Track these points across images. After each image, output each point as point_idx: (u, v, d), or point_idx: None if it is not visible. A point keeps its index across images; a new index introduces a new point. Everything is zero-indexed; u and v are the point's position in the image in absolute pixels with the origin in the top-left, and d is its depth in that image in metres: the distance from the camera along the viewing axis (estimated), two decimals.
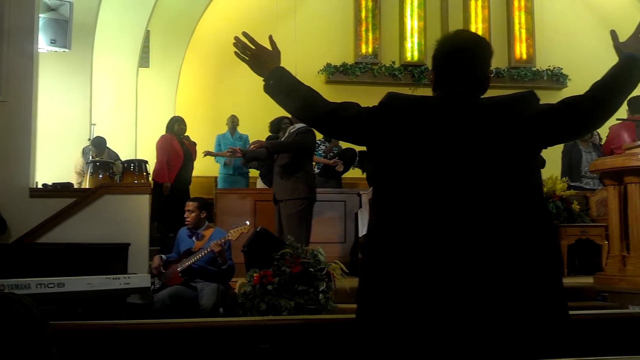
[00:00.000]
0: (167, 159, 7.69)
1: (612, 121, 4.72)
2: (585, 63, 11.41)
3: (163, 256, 5.62)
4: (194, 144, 8.31)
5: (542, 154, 2.04)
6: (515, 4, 11.94)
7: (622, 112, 6.63)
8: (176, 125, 7.96)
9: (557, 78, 11.74)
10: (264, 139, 7.27)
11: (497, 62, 11.35)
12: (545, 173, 6.28)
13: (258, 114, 9.63)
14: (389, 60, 11.55)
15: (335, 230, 7.41)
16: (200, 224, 5.65)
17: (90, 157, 7.54)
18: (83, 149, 7.86)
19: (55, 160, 7.68)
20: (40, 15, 6.93)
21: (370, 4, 11.61)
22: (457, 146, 1.90)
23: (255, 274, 4.88)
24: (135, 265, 5.68)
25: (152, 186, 6.86)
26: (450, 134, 1.91)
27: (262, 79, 2.17)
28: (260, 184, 8.16)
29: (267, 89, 2.15)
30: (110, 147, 8.04)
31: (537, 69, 11.80)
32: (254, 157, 6.86)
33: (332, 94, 2.36)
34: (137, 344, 2.44)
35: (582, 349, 1.83)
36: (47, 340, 1.20)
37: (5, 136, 5.98)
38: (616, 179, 5.16)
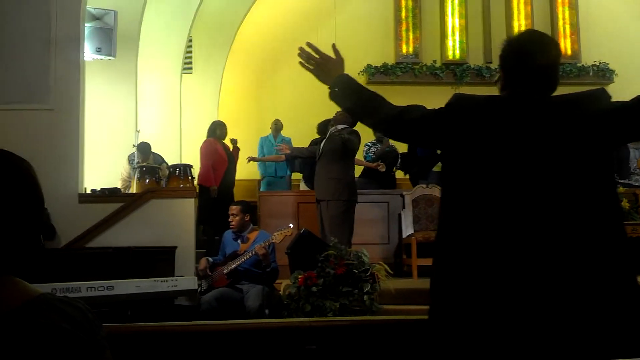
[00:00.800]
0: (212, 162, 7.77)
1: None
2: (632, 57, 11.12)
3: (209, 258, 5.68)
4: (238, 149, 8.37)
5: None
6: None
7: None
8: (218, 130, 8.03)
9: (603, 73, 11.46)
10: (307, 141, 7.31)
11: None
12: None
13: (299, 117, 9.69)
14: (430, 60, 11.46)
15: (378, 232, 7.38)
16: (244, 227, 5.69)
17: (136, 162, 7.67)
18: (128, 156, 8.01)
19: (103, 166, 7.85)
20: (85, 24, 7.09)
21: (410, 3, 11.55)
22: (528, 144, 1.87)
23: (299, 276, 4.89)
24: (182, 267, 5.76)
25: (197, 190, 6.94)
26: (521, 132, 1.89)
27: (328, 87, 2.18)
28: (303, 187, 8.20)
29: (333, 97, 2.17)
30: (156, 152, 8.18)
31: (583, 65, 11.55)
32: (296, 155, 6.94)
33: None
34: (185, 345, 2.47)
35: None
36: (102, 343, 1.22)
37: (54, 143, 6.13)
38: None
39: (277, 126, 9.20)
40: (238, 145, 8.33)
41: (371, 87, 2.18)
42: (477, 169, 1.91)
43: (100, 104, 8.12)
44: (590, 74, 11.45)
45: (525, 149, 1.87)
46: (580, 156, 1.87)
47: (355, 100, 2.14)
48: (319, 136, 7.62)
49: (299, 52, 2.23)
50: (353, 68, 10.63)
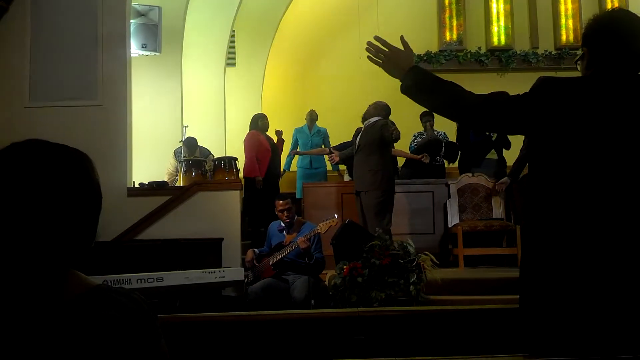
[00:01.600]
0: (256, 154, 7.83)
1: None
2: None
3: (256, 250, 5.74)
4: (283, 140, 8.39)
5: None
6: None
7: None
8: (260, 122, 8.07)
9: None
10: (347, 132, 7.32)
11: None
12: None
13: (341, 108, 9.67)
14: (474, 46, 11.28)
15: (423, 221, 7.32)
16: (291, 219, 5.73)
17: (182, 157, 7.78)
18: (175, 150, 8.12)
19: (150, 160, 7.98)
20: (131, 21, 7.20)
21: None
22: (619, 124, 1.84)
23: (344, 266, 4.90)
24: (228, 259, 5.83)
25: (242, 182, 7.00)
26: (611, 112, 1.85)
27: (399, 80, 2.13)
28: (347, 178, 8.20)
29: (405, 90, 2.11)
30: (202, 145, 8.29)
31: None
32: (345, 159, 7.02)
33: None
34: (236, 334, 2.50)
35: None
36: (157, 333, 1.24)
37: (103, 138, 6.26)
38: None
39: (312, 117, 9.18)
40: (283, 137, 8.36)
41: None
42: (568, 152, 1.87)
43: (147, 99, 8.25)
44: None
45: (615, 129, 1.83)
46: None
47: (431, 92, 2.07)
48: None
49: (367, 46, 2.18)
50: None
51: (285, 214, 5.65)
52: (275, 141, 8.15)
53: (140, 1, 7.81)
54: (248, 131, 8.11)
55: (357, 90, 10.28)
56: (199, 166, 6.95)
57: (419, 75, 2.08)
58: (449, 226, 7.11)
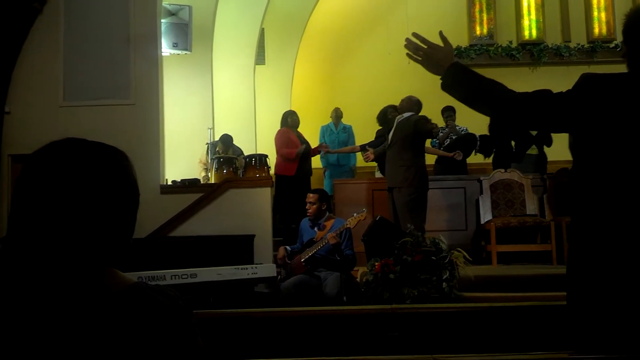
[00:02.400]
0: (287, 151, 7.84)
1: None
2: None
3: (287, 247, 5.75)
4: (316, 154, 8.34)
5: None
6: None
7: None
8: (289, 118, 8.08)
9: None
10: (372, 130, 7.31)
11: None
12: None
13: (370, 105, 9.62)
14: (505, 40, 11.14)
15: (455, 218, 7.26)
16: (321, 215, 5.72)
17: (216, 152, 7.85)
18: (207, 144, 8.19)
19: (181, 158, 8.06)
20: (162, 20, 7.28)
21: None
22: None
23: (376, 263, 4.88)
24: (260, 255, 5.87)
25: (273, 179, 7.03)
26: None
27: (439, 77, 2.10)
28: (378, 175, 8.17)
29: (446, 88, 2.08)
30: (236, 144, 8.35)
31: None
32: (381, 154, 6.92)
33: None
34: (270, 330, 2.51)
35: None
36: (193, 329, 1.25)
37: (135, 137, 6.34)
38: None
39: (338, 114, 9.17)
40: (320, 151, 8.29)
41: None
42: (613, 148, 1.84)
43: (178, 97, 8.33)
44: None
45: None
46: None
47: (471, 89, 2.04)
48: (380, 126, 7.60)
49: (405, 43, 2.15)
50: None
51: (309, 208, 5.67)
52: (312, 143, 8.12)
53: (171, 0, 7.88)
54: (279, 128, 8.13)
55: (385, 87, 10.24)
56: (230, 164, 7.00)
57: (460, 72, 2.05)
58: (482, 222, 7.03)
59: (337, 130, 9.04)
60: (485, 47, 11.07)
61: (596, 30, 11.09)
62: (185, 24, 7.87)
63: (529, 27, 11.22)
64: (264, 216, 6.22)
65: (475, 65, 10.75)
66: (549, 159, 7.65)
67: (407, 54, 2.14)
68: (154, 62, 6.71)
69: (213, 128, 8.39)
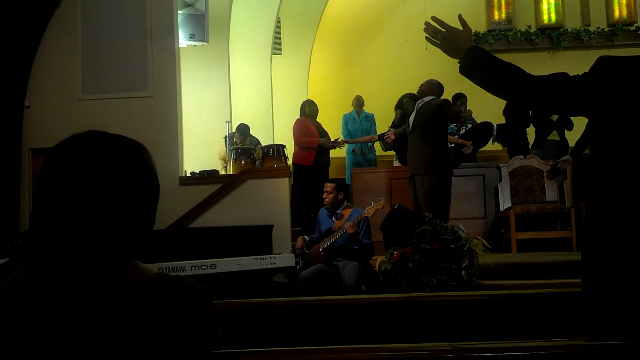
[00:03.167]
0: (305, 140, 7.85)
1: None
2: None
3: (306, 237, 5.77)
4: (334, 147, 8.26)
5: None
6: None
7: None
8: (307, 108, 8.06)
9: None
10: (391, 117, 7.27)
11: None
12: None
13: (387, 93, 9.59)
14: (524, 25, 11.03)
15: (474, 206, 7.22)
16: (338, 204, 5.73)
17: (234, 141, 7.87)
18: (225, 136, 8.22)
19: (200, 149, 8.10)
20: (178, 11, 7.30)
21: None
22: None
23: (395, 252, 4.88)
24: (279, 245, 5.89)
25: (291, 169, 7.04)
26: None
27: (457, 61, 2.09)
28: (397, 164, 8.14)
29: (464, 71, 2.08)
30: (253, 135, 8.38)
31: None
32: (402, 135, 6.84)
33: None
34: (289, 320, 2.52)
35: None
36: (213, 319, 1.26)
37: (154, 129, 6.39)
38: None
39: (359, 102, 9.11)
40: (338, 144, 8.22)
41: None
42: (631, 132, 1.81)
43: (195, 88, 8.36)
44: None
45: None
46: None
47: (489, 73, 2.03)
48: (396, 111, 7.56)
49: (424, 27, 2.15)
50: None
51: (325, 197, 5.68)
52: (329, 132, 8.07)
53: None
54: (297, 118, 8.13)
55: (403, 75, 10.19)
56: (248, 154, 7.02)
57: (478, 56, 2.04)
58: (501, 210, 7.00)
59: (360, 118, 9.00)
60: (503, 32, 10.97)
61: (616, 13, 10.93)
62: (201, 15, 7.87)
63: (548, 11, 11.10)
64: (282, 206, 6.24)
65: (494, 50, 10.59)
66: (570, 144, 7.57)
67: (426, 38, 2.15)
68: (171, 54, 6.74)
69: (231, 119, 8.41)
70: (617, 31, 10.72)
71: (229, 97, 8.73)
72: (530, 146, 7.68)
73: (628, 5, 10.79)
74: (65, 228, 1.13)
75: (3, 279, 1.18)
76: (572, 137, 7.45)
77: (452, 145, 7.86)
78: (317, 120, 8.08)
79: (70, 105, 6.55)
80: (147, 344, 1.11)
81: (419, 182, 5.96)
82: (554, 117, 7.36)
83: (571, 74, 1.96)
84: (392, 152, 8.33)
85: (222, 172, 7.92)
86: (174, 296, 1.17)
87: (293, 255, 5.34)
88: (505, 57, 2.00)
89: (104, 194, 1.15)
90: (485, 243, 4.90)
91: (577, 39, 10.91)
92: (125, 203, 1.17)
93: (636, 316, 1.73)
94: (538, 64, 9.34)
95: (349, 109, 9.25)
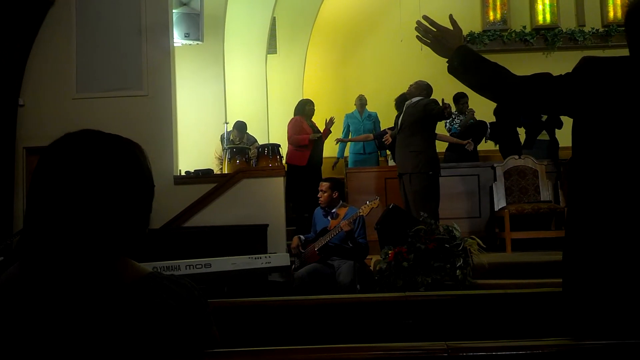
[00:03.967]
0: (300, 140, 7.84)
1: None
2: None
3: (301, 236, 5.77)
4: (330, 132, 8.24)
5: None
6: None
7: None
8: (307, 107, 8.05)
9: None
10: (392, 115, 7.30)
11: None
12: None
13: (384, 92, 9.59)
14: (519, 26, 11.06)
15: (469, 205, 7.24)
16: (333, 204, 5.73)
17: (231, 138, 7.86)
18: (221, 135, 8.21)
19: (194, 148, 8.09)
20: (173, 10, 7.28)
21: None
22: None
23: (390, 251, 4.89)
24: (274, 244, 5.89)
25: (286, 169, 7.04)
26: None
27: (446, 59, 2.13)
28: (392, 163, 8.15)
29: (452, 70, 2.11)
30: (249, 133, 8.38)
31: None
32: (383, 133, 7.04)
33: None
34: (285, 318, 2.52)
35: None
36: (208, 319, 1.26)
37: (149, 127, 6.38)
38: None
39: (362, 102, 9.10)
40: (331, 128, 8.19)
41: None
42: (613, 133, 1.82)
43: (190, 87, 8.34)
44: None
45: None
46: None
47: (476, 72, 2.06)
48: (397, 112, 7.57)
49: (416, 26, 2.18)
50: None
51: (320, 196, 5.69)
52: (322, 129, 8.06)
53: None
54: (292, 117, 8.13)
55: (399, 74, 10.19)
56: (243, 153, 7.02)
57: (466, 56, 2.07)
58: (496, 209, 7.01)
59: (362, 118, 8.97)
60: (498, 33, 10.99)
61: (611, 14, 10.97)
62: (196, 14, 7.85)
63: (543, 12, 11.13)
64: (277, 205, 6.24)
65: (489, 51, 10.69)
66: (561, 144, 7.59)
67: (417, 37, 2.18)
68: (166, 53, 6.73)
69: (226, 118, 8.41)
70: (611, 32, 10.75)
71: (223, 97, 8.72)
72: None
73: (623, 6, 10.82)
74: (60, 227, 1.13)
75: None
76: (562, 136, 7.47)
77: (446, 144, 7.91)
78: (312, 120, 8.08)
79: (64, 104, 6.53)
80: (142, 343, 1.11)
81: (407, 181, 6.09)
82: (544, 117, 7.38)
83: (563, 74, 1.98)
84: (388, 152, 8.34)
85: (218, 172, 7.91)
86: (168, 295, 1.17)
87: (288, 254, 5.34)
88: (500, 58, 2.02)
89: (99, 193, 1.15)
90: (480, 242, 4.92)
91: (572, 40, 10.94)
92: (119, 202, 1.17)
93: (616, 315, 1.74)
94: (533, 65, 9.36)
95: (346, 106, 9.25)
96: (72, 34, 6.63)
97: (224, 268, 4.67)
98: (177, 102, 6.93)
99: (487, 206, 7.21)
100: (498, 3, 11.19)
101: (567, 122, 7.02)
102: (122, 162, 1.19)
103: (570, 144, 1.97)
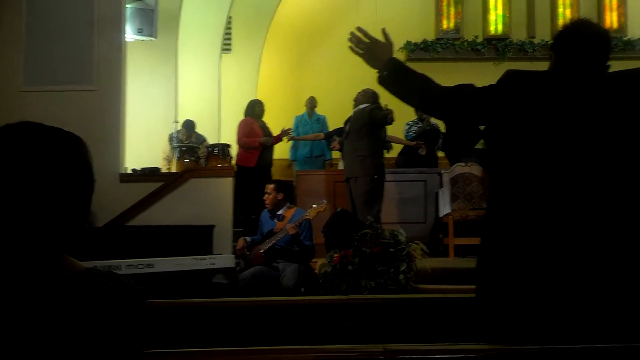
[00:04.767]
0: (249, 141, 7.82)
1: None
2: None
3: (247, 238, 5.76)
4: (281, 140, 8.21)
5: None
6: None
7: None
8: (257, 107, 8.04)
9: None
10: (343, 119, 7.37)
11: None
12: None
13: (337, 95, 9.63)
14: (471, 35, 11.26)
15: (415, 210, 7.35)
16: (279, 206, 5.74)
17: (179, 139, 7.78)
18: (169, 135, 8.12)
19: (143, 146, 7.97)
20: (127, 5, 7.17)
21: None
22: (583, 121, 1.86)
23: (335, 255, 4.92)
24: (220, 246, 5.86)
25: (235, 169, 7.01)
26: (576, 108, 1.87)
27: (376, 71, 2.18)
28: (341, 166, 8.20)
29: (382, 81, 2.16)
30: (198, 132, 8.31)
31: (629, 39, 11.19)
32: (333, 134, 7.17)
33: None
34: (225, 320, 2.52)
35: None
36: (145, 316, 1.26)
37: (96, 123, 6.25)
38: None
39: (312, 104, 9.10)
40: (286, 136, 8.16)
41: (410, 64, 2.18)
42: (529, 146, 1.89)
43: (142, 84, 8.21)
44: (637, 48, 11.08)
45: (577, 125, 1.86)
46: (633, 135, 1.84)
47: (404, 83, 2.12)
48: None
49: (349, 36, 2.23)
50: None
51: (266, 198, 5.69)
52: (275, 134, 8.04)
53: None
54: (243, 118, 8.10)
55: (354, 77, 10.22)
56: (192, 153, 6.96)
57: (396, 67, 2.13)
58: (440, 215, 7.13)
59: (311, 120, 9.00)
60: (451, 41, 11.16)
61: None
62: (151, 9, 7.75)
63: (495, 22, 11.36)
64: (225, 207, 6.20)
65: (442, 59, 10.87)
66: None
67: (350, 47, 2.22)
68: (118, 48, 6.61)
69: (176, 117, 8.32)
70: None
71: (175, 95, 8.63)
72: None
73: (572, 18, 11.13)
74: None
75: None
76: None
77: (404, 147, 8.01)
78: (264, 120, 8.06)
79: (11, 97, 6.34)
80: (75, 339, 1.11)
81: (354, 184, 6.24)
82: (482, 127, 7.52)
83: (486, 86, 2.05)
84: (338, 154, 8.38)
85: (166, 169, 7.82)
86: (103, 292, 1.17)
87: (233, 256, 5.32)
88: (452, 66, 2.07)
89: (36, 185, 1.14)
90: (424, 248, 5.00)
91: (522, 51, 11.20)
92: (57, 195, 1.16)
93: (526, 321, 1.81)
94: (483, 74, 9.50)
95: (298, 110, 9.25)
96: (21, 25, 6.45)
97: (167, 268, 4.63)
98: (127, 98, 6.82)
99: (433, 212, 7.33)
100: (452, 12, 11.37)
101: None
102: (61, 155, 1.18)
103: None
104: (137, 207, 6.07)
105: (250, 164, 7.71)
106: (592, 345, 1.57)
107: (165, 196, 6.14)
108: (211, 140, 8.41)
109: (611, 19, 11.30)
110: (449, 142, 8.03)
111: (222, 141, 8.33)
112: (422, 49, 10.97)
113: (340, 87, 10.26)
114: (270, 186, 5.76)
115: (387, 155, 7.11)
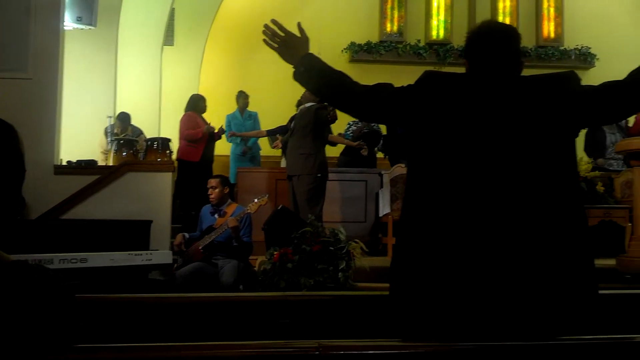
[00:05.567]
0: (192, 136, 7.72)
1: None
2: (614, 43, 11.19)
3: (186, 234, 5.68)
4: (220, 137, 8.16)
5: None
6: None
7: None
8: (200, 103, 7.98)
9: (584, 57, 11.52)
10: (286, 117, 7.37)
11: (525, 41, 10.98)
12: None
13: (280, 93, 9.62)
14: (414, 39, 11.43)
15: (356, 210, 7.42)
16: (223, 201, 5.70)
17: (114, 131, 7.60)
18: (105, 128, 7.92)
19: (80, 138, 7.76)
20: None
21: None
22: (496, 123, 1.90)
23: (275, 252, 4.91)
24: (157, 242, 5.75)
25: (175, 164, 6.91)
26: (490, 110, 1.92)
27: (292, 66, 2.15)
28: (284, 164, 8.19)
29: (298, 76, 2.14)
30: (134, 124, 8.13)
31: (565, 48, 11.59)
32: (275, 131, 7.20)
33: (356, 73, 2.36)
34: (160, 316, 2.48)
35: (607, 327, 1.84)
36: (72, 311, 1.22)
37: (30, 113, 6.05)
38: None
39: (245, 101, 8.97)
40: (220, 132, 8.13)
41: (354, 66, 2.18)
42: (443, 147, 1.92)
43: (79, 74, 8.00)
44: (572, 57, 11.48)
45: (492, 127, 1.90)
46: (545, 136, 1.90)
47: (320, 80, 2.11)
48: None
49: (264, 29, 2.20)
50: (336, 45, 10.57)
51: (211, 193, 5.63)
52: (216, 129, 7.98)
53: None
54: (185, 112, 7.99)
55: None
56: (130, 146, 6.81)
57: (312, 63, 2.12)
58: (380, 215, 7.21)
59: (243, 118, 8.96)
60: (394, 45, 11.30)
61: None
62: None
63: (437, 28, 11.57)
64: (163, 202, 6.10)
65: (384, 61, 10.99)
66: None
67: (264, 40, 2.19)
68: (56, 36, 6.40)
69: (114, 109, 8.13)
70: None
71: (114, 86, 8.42)
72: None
73: (477, 23, 11.42)
74: None
75: None
76: None
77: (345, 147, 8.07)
78: (203, 116, 8.00)
79: None
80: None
81: (296, 182, 6.24)
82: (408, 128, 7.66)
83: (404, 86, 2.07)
84: (279, 152, 8.36)
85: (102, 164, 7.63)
86: (30, 284, 1.13)
87: (170, 252, 5.24)
88: (394, 69, 2.08)
89: None
90: (363, 246, 5.04)
91: (462, 56, 11.40)
92: None
93: (438, 319, 1.85)
94: None
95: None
96: None
97: (101, 264, 4.52)
98: (63, 88, 6.62)
99: (373, 211, 7.41)
100: (396, 15, 11.51)
101: None
102: None
103: None
104: (72, 200, 5.90)
105: (194, 158, 7.63)
106: (502, 343, 1.62)
107: (101, 190, 6.00)
108: (151, 133, 8.25)
109: (548, 29, 11.68)
110: (389, 144, 8.13)
111: (162, 135, 8.20)
112: (365, 51, 11.06)
113: (282, 86, 10.23)
114: (215, 180, 5.71)
115: (328, 154, 7.14)
